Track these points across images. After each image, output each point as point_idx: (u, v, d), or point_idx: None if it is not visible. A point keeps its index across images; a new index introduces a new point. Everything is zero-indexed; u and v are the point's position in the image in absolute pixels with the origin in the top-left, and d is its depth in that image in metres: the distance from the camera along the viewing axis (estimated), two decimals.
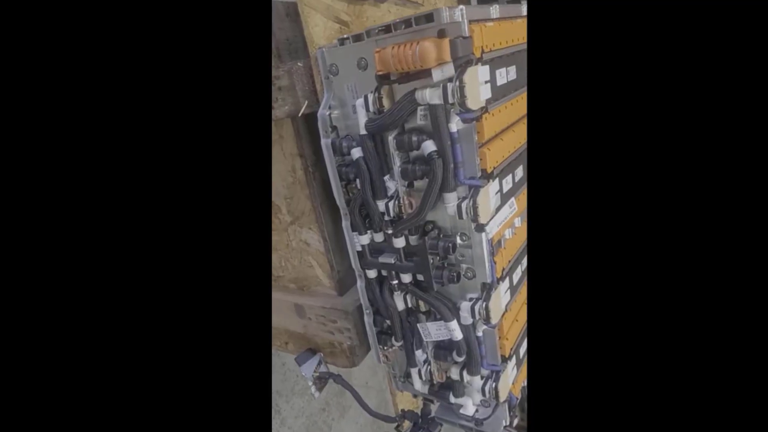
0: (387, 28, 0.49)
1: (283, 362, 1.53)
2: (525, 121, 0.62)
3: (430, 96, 0.47)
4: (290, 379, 1.57)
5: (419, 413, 0.76)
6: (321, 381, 0.85)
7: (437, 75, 0.46)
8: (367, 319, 0.67)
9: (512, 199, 0.56)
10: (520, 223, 0.63)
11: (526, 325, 0.68)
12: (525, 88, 0.60)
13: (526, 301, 0.67)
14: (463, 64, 0.45)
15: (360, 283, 0.65)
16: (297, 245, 0.76)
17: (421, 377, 0.67)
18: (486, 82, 0.49)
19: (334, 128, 0.59)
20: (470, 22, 0.45)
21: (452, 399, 0.65)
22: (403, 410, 0.77)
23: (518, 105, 0.59)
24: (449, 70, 0.45)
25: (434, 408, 0.74)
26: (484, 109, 0.50)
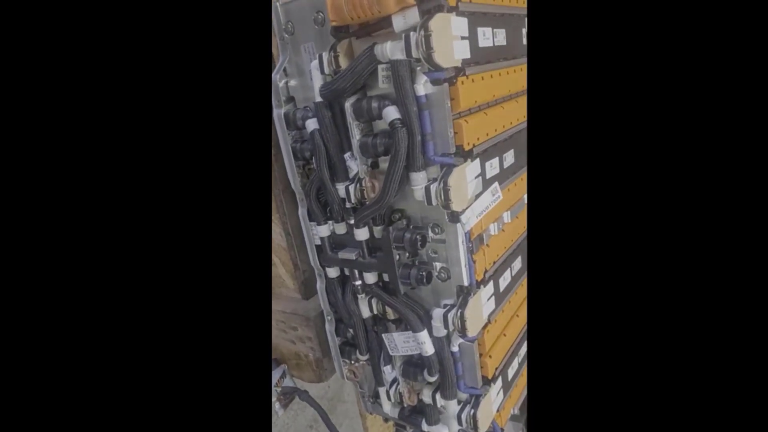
0: None
1: None
2: (519, 100, 0.53)
3: (391, 50, 0.38)
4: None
5: None
6: (286, 397, 0.75)
7: (399, 23, 0.37)
8: (329, 327, 0.58)
9: (495, 185, 0.46)
10: (510, 219, 0.53)
11: (516, 342, 0.57)
12: (517, 60, 0.52)
13: (516, 314, 0.57)
14: (431, 9, 0.37)
15: (320, 284, 0.56)
16: None
17: (389, 398, 0.57)
18: (463, 38, 0.40)
19: (291, 99, 0.50)
20: None
21: (425, 426, 0.55)
22: None
23: (510, 79, 0.50)
24: (413, 16, 0.36)
25: None
26: (461, 72, 0.41)
